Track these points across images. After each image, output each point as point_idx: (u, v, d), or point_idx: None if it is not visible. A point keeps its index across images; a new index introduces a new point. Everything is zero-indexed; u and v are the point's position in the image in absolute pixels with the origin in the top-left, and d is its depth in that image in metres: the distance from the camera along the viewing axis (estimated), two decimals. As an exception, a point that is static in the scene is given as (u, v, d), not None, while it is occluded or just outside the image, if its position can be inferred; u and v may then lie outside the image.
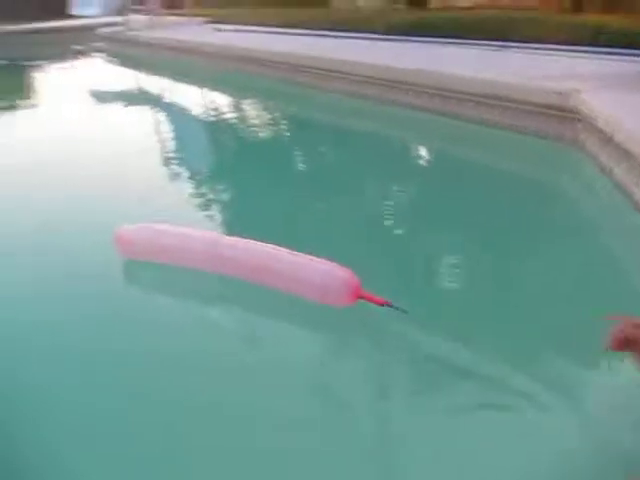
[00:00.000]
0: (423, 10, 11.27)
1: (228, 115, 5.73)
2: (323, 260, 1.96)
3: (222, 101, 6.59)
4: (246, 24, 9.60)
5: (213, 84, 7.25)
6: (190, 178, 3.79)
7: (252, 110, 6.06)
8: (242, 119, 5.58)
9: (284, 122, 5.41)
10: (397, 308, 1.84)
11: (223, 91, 6.94)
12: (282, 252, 2.00)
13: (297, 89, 5.84)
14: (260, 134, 5.07)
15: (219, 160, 4.34)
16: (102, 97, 6.92)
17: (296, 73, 5.84)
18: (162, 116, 5.89)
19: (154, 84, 8.44)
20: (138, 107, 6.36)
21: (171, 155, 4.31)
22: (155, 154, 4.34)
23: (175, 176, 3.80)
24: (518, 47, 5.57)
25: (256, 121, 5.53)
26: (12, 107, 6.72)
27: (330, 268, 1.92)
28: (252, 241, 2.08)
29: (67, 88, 7.81)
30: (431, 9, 12.02)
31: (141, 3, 11.19)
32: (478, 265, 2.44)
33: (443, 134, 4.30)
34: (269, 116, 5.75)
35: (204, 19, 11.37)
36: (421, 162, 4.19)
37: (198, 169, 4.00)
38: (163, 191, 3.39)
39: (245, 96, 6.51)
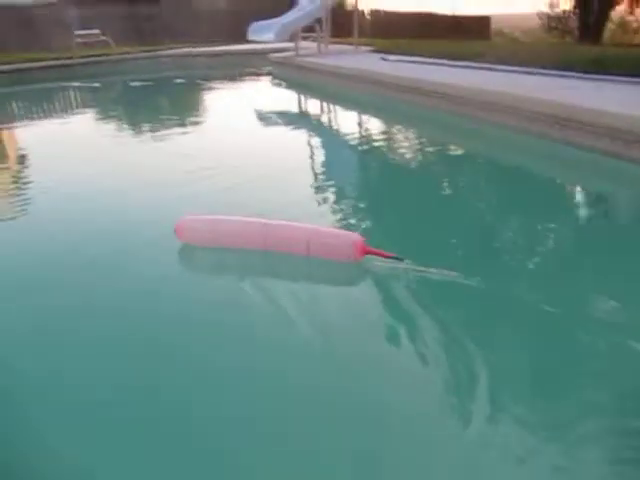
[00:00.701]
0: (596, 45, 10.73)
1: (386, 141, 5.79)
2: (336, 229, 2.69)
3: (379, 127, 6.71)
4: (410, 54, 9.74)
5: (376, 111, 7.40)
6: (335, 191, 3.91)
7: (409, 138, 6.08)
8: (399, 146, 5.61)
9: (446, 153, 5.36)
10: (397, 258, 2.35)
11: (384, 118, 7.06)
12: (306, 226, 2.55)
13: (463, 121, 5.78)
14: (417, 162, 5.06)
15: (371, 182, 4.41)
16: (265, 116, 7.39)
17: (462, 105, 5.79)
18: (320, 137, 6.11)
19: (316, 107, 8.82)
20: (297, 127, 6.67)
21: (321, 173, 4.53)
22: (305, 171, 4.55)
23: (321, 189, 3.99)
24: None
25: (412, 149, 5.52)
26: (184, 120, 7.42)
27: (343, 233, 2.58)
28: (283, 221, 2.59)
29: (234, 106, 8.43)
30: (605, 44, 11.42)
31: (311, 31, 11.79)
32: None
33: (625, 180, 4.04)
34: (428, 145, 5.71)
35: (370, 48, 11.73)
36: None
37: (345, 186, 4.13)
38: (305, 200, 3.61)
39: (405, 124, 6.56)
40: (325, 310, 2.22)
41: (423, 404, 1.72)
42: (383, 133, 6.27)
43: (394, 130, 6.44)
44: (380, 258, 2.40)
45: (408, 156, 5.17)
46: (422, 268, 2.33)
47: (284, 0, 18.36)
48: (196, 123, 7.34)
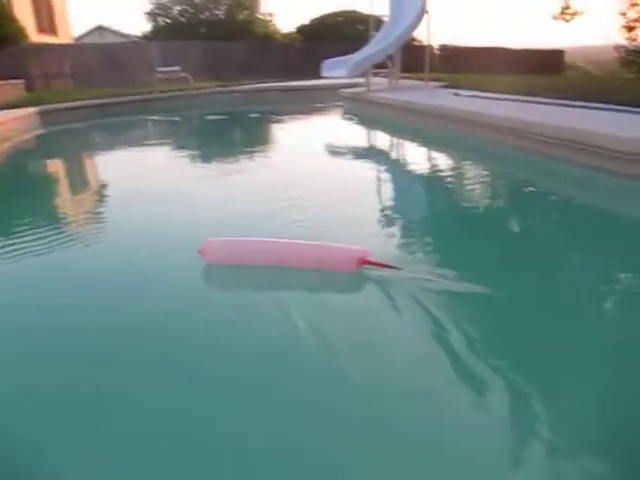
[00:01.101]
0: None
1: (457, 177, 5.72)
2: (339, 244, 2.89)
3: (451, 162, 6.64)
4: (482, 90, 9.71)
5: (447, 147, 7.35)
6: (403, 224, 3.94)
7: (480, 174, 5.97)
8: (470, 181, 5.51)
9: (527, 192, 5.21)
10: (394, 267, 2.69)
11: (455, 154, 6.99)
12: (313, 242, 2.91)
13: (540, 159, 5.64)
14: (487, 198, 4.96)
15: (441, 217, 4.35)
16: (337, 150, 7.49)
17: (538, 143, 5.68)
18: (390, 172, 6.11)
19: (387, 142, 8.89)
20: (368, 161, 6.70)
21: (390, 206, 4.54)
22: (373, 203, 4.54)
23: (389, 221, 4.01)
24: None
25: (483, 185, 5.39)
26: (257, 152, 7.65)
27: (345, 246, 2.86)
28: (294, 240, 2.93)
29: (305, 140, 8.62)
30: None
31: (382, 66, 11.98)
32: None
33: None
34: (501, 182, 5.60)
35: (440, 83, 11.78)
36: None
37: (415, 219, 4.17)
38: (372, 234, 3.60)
39: (476, 160, 6.48)
40: (338, 318, 2.40)
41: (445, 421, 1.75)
42: (454, 169, 6.22)
43: (465, 166, 6.39)
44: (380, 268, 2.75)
45: (479, 192, 5.08)
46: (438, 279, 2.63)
47: (357, 37, 18.79)
48: (268, 155, 7.52)
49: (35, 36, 19.14)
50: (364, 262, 2.74)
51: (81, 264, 3.25)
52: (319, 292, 2.73)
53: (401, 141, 8.62)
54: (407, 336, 2.26)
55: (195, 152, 8.09)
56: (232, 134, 10.10)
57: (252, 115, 12.45)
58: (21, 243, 3.65)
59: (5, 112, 11.22)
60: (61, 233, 3.99)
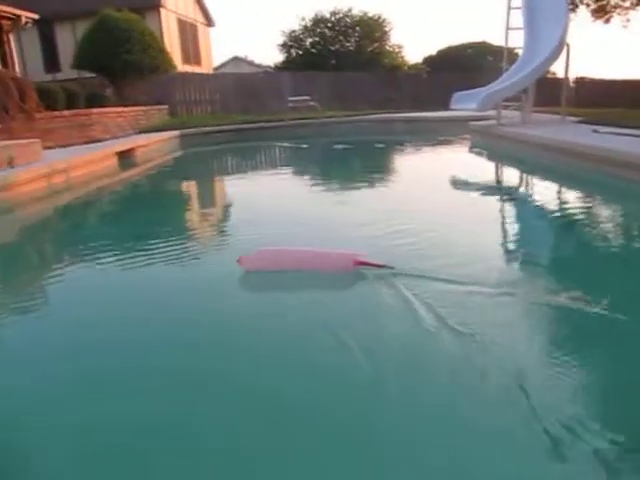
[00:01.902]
0: None
1: (597, 222, 5.29)
2: (340, 250, 3.40)
3: (591, 206, 6.12)
4: (624, 126, 9.07)
5: (588, 189, 6.76)
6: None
7: (624, 220, 5.48)
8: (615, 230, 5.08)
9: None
10: (387, 267, 3.09)
11: (597, 197, 6.45)
12: (321, 249, 3.44)
13: None
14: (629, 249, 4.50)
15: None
16: (462, 185, 7.21)
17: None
18: (518, 213, 5.73)
19: (519, 180, 8.32)
20: (496, 199, 6.37)
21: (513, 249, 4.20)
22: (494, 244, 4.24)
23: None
24: None
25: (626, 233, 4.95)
26: (376, 181, 7.68)
27: (343, 251, 3.34)
28: (311, 248, 3.49)
29: (430, 172, 8.48)
30: None
31: (512, 99, 11.64)
32: None
33: None
34: None
35: (576, 118, 11.21)
36: None
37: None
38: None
39: (620, 205, 5.96)
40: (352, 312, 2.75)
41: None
42: (595, 213, 5.74)
43: (609, 211, 5.89)
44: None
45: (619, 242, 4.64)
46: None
47: (486, 69, 18.50)
48: (388, 185, 7.49)
49: (181, 66, 20.79)
50: (359, 263, 3.16)
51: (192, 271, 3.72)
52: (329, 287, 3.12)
53: (531, 179, 8.16)
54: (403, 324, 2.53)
55: (319, 178, 8.32)
56: (356, 163, 10.24)
57: (378, 145, 12.57)
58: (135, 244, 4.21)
59: (149, 135, 12.24)
60: (182, 242, 4.51)
